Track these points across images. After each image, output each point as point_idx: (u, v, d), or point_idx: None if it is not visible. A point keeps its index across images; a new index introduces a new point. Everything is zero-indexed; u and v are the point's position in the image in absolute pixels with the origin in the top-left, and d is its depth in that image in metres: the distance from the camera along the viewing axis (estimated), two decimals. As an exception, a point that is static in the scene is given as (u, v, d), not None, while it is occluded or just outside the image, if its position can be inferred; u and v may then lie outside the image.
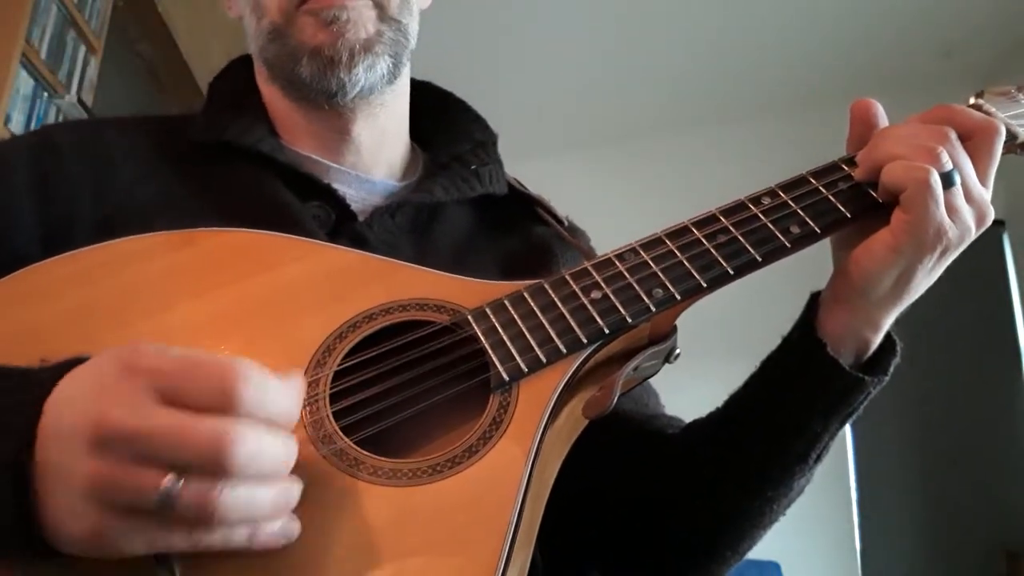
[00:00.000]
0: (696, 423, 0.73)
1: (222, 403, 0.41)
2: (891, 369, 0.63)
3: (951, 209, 0.57)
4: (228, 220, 0.63)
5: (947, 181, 0.57)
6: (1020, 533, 3.38)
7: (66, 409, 0.42)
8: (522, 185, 0.86)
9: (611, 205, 2.72)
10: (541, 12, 3.23)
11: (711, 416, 0.71)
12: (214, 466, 0.40)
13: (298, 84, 0.74)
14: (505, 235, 0.80)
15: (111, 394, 0.41)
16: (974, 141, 0.60)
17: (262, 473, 0.42)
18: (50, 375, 0.44)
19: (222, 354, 0.45)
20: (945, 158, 0.57)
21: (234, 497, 0.41)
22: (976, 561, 3.50)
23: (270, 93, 0.79)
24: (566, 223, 0.84)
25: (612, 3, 3.23)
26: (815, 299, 0.64)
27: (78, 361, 0.45)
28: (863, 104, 0.65)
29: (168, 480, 0.39)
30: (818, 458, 0.65)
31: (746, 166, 3.76)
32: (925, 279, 0.60)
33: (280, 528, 0.44)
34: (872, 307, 0.60)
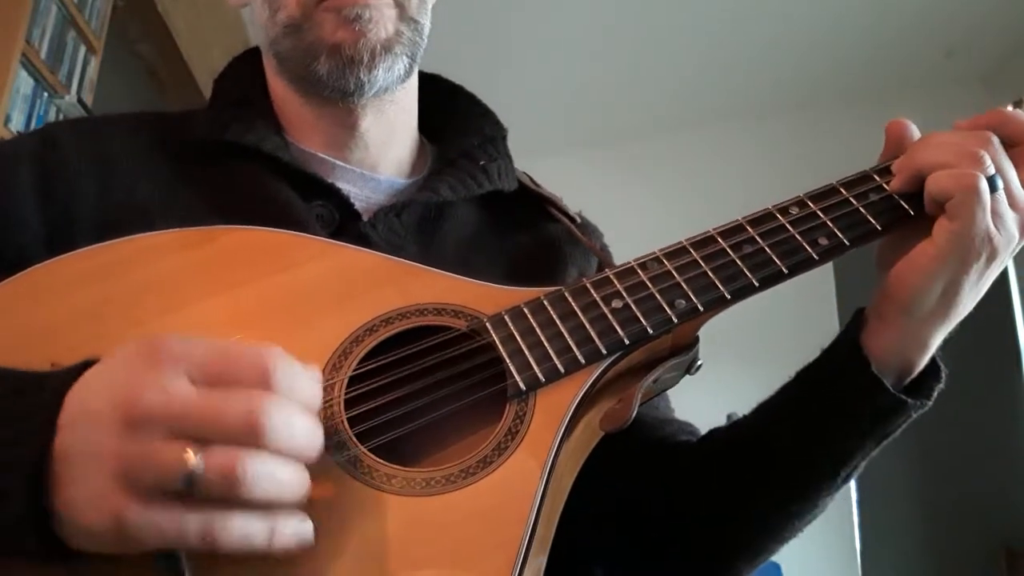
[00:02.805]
0: (719, 432, 0.72)
1: (256, 383, 0.42)
2: (934, 395, 0.62)
3: (995, 215, 0.56)
4: (230, 219, 0.62)
5: (990, 186, 0.56)
6: (1020, 533, 3.38)
7: (90, 397, 0.42)
8: (534, 182, 0.85)
9: (619, 204, 2.71)
10: (548, 9, 3.23)
11: (737, 426, 0.69)
12: (246, 437, 0.40)
13: (312, 80, 0.72)
14: (514, 233, 0.79)
15: (140, 378, 0.41)
16: (1022, 147, 0.60)
17: (291, 448, 0.43)
18: (65, 377, 0.44)
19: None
20: (988, 162, 0.57)
21: (260, 466, 0.41)
22: (976, 561, 3.50)
23: (278, 87, 0.78)
24: (578, 220, 0.83)
25: (619, 3, 3.23)
26: (860, 314, 0.63)
27: (91, 363, 0.45)
28: (898, 123, 0.64)
29: (195, 454, 0.39)
30: (847, 477, 0.64)
31: (750, 166, 3.77)
32: (972, 292, 0.59)
33: (296, 528, 0.44)
34: (919, 325, 0.59)
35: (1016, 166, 0.59)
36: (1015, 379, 3.41)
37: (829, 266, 0.64)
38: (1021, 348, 3.42)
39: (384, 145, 0.78)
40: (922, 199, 0.59)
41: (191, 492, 0.39)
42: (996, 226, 0.56)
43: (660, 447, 0.73)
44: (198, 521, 0.40)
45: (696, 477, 0.69)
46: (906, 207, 0.60)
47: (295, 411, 0.43)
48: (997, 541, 3.44)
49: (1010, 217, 0.57)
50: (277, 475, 0.42)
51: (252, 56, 0.82)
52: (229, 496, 0.40)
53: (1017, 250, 0.59)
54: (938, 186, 0.57)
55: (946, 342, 0.62)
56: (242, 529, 0.41)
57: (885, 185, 0.61)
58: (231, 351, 0.43)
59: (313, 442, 0.44)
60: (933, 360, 0.62)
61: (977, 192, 0.55)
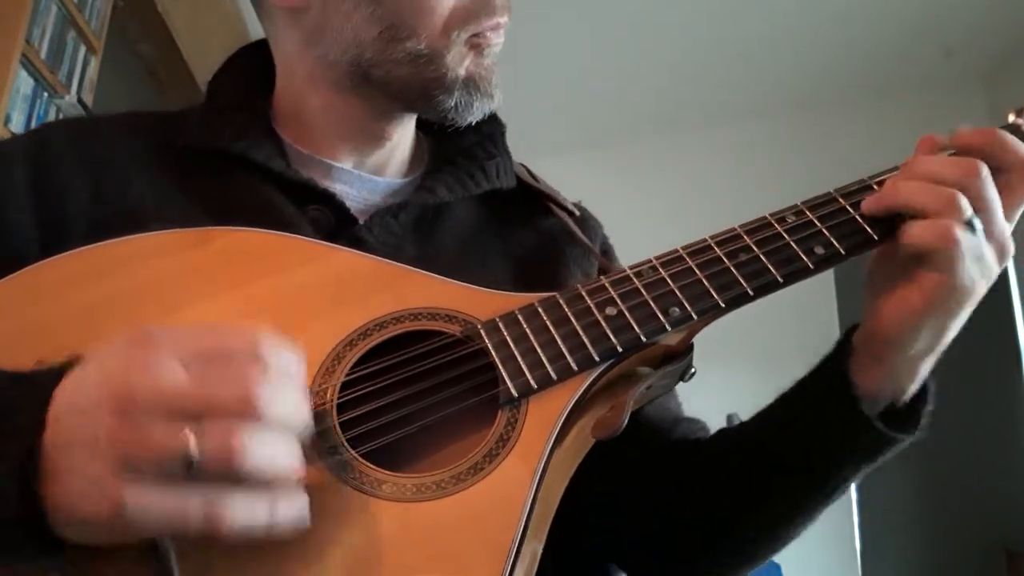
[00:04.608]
0: (725, 439, 0.73)
1: (248, 360, 0.42)
2: (923, 420, 0.62)
3: (977, 258, 0.56)
4: (223, 223, 0.62)
5: (969, 229, 0.56)
6: (1020, 533, 3.38)
7: (81, 388, 0.42)
8: (532, 175, 0.84)
9: (619, 205, 2.71)
10: (548, 9, 3.22)
11: (741, 436, 0.70)
12: (240, 411, 0.40)
13: (426, 106, 0.73)
14: (513, 230, 0.79)
15: (131, 364, 0.41)
16: (1011, 177, 0.59)
17: (284, 420, 0.43)
18: (53, 373, 0.44)
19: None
20: (965, 205, 0.56)
21: (256, 438, 0.41)
22: (976, 561, 3.50)
23: (321, 95, 0.74)
24: (577, 213, 0.83)
25: (619, 4, 3.22)
26: (849, 337, 0.62)
27: (77, 359, 0.45)
28: (928, 140, 0.63)
29: (191, 433, 0.39)
30: (843, 491, 0.66)
31: (750, 166, 3.76)
32: (959, 324, 0.59)
33: (296, 505, 0.44)
34: (911, 359, 0.60)
35: (1002, 195, 0.58)
36: (1015, 379, 3.41)
37: (831, 271, 0.63)
38: (1021, 348, 3.41)
39: (395, 149, 0.79)
40: None
41: (190, 473, 0.39)
42: (979, 268, 0.56)
43: (675, 447, 0.74)
44: (199, 501, 0.40)
45: (703, 478, 0.70)
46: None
47: (285, 384, 0.43)
48: (997, 542, 3.44)
49: (988, 253, 0.57)
50: (274, 447, 0.42)
51: (247, 54, 0.81)
52: (228, 472, 0.40)
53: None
54: (918, 239, 0.56)
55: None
56: (244, 507, 0.41)
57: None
58: (219, 330, 0.44)
59: (303, 415, 0.44)
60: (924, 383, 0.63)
61: (958, 244, 0.55)
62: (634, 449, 0.68)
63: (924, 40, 3.41)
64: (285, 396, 0.43)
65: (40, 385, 0.43)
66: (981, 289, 0.57)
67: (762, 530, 0.69)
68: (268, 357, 0.43)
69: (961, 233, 0.55)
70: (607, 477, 0.59)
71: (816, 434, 0.63)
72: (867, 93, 3.68)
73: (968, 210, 0.56)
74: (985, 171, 0.58)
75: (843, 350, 0.62)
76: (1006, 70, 3.55)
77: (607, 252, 0.84)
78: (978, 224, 0.56)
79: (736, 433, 0.71)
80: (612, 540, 0.74)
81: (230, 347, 0.43)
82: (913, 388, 0.62)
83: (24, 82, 2.33)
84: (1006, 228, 0.59)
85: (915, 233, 0.57)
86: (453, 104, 0.71)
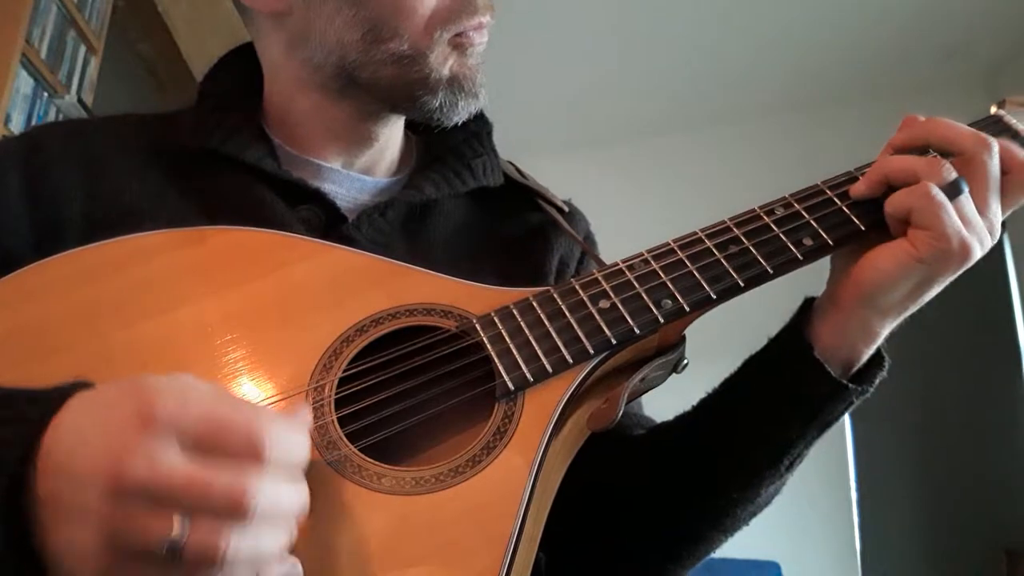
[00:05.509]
0: (665, 423, 0.73)
1: (248, 456, 0.41)
2: (876, 382, 0.62)
3: (965, 220, 0.56)
4: (217, 222, 0.62)
5: (955, 190, 0.57)
6: (1020, 533, 3.38)
7: (77, 449, 0.41)
8: (520, 172, 0.85)
9: (618, 205, 2.72)
10: (547, 11, 3.23)
11: (682, 416, 0.70)
12: (231, 513, 0.40)
13: (408, 107, 0.72)
14: (500, 225, 0.80)
15: (129, 443, 0.40)
16: (963, 159, 0.60)
17: (276, 517, 0.42)
18: (46, 407, 0.43)
19: (239, 399, 0.44)
20: (947, 169, 0.57)
21: (243, 540, 0.40)
22: (976, 561, 3.50)
23: (308, 97, 0.74)
24: (566, 209, 0.84)
25: (618, 5, 3.23)
26: (809, 304, 0.63)
27: (71, 389, 0.44)
28: (911, 119, 0.64)
29: (178, 526, 0.39)
30: (790, 466, 0.64)
31: (749, 167, 3.76)
32: (937, 290, 0.59)
33: (285, 573, 0.43)
34: (874, 315, 0.59)
35: (971, 177, 0.59)
36: (1015, 379, 3.41)
37: (826, 266, 0.64)
38: (1021, 348, 3.41)
39: (384, 149, 0.79)
40: None
41: (175, 559, 0.39)
42: (968, 230, 0.56)
43: (612, 441, 0.72)
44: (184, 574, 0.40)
45: (641, 468, 0.70)
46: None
47: (282, 480, 0.43)
48: (997, 542, 3.44)
49: (979, 222, 0.57)
50: (261, 545, 0.41)
51: (238, 54, 0.81)
52: (211, 566, 0.40)
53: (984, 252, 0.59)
54: (895, 203, 0.58)
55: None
56: None
57: (851, 190, 0.61)
58: (223, 416, 0.42)
59: (298, 506, 0.44)
60: (878, 350, 0.62)
61: (931, 196, 0.56)
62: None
63: (924, 42, 3.41)
64: (280, 493, 0.42)
65: (32, 420, 0.42)
66: (975, 253, 0.57)
67: (704, 516, 0.68)
68: (268, 450, 0.42)
69: (934, 189, 0.56)
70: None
71: (767, 387, 0.63)
72: (867, 95, 3.68)
73: (951, 173, 0.57)
74: (995, 147, 0.59)
75: (802, 311, 0.63)
76: (1006, 72, 3.55)
77: (590, 244, 0.85)
78: (964, 186, 0.57)
79: (678, 419, 0.71)
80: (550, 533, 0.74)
81: (232, 435, 0.42)
82: (868, 352, 0.61)
83: (24, 82, 2.34)
84: (998, 210, 0.59)
85: (892, 199, 0.58)
86: (438, 104, 0.71)
